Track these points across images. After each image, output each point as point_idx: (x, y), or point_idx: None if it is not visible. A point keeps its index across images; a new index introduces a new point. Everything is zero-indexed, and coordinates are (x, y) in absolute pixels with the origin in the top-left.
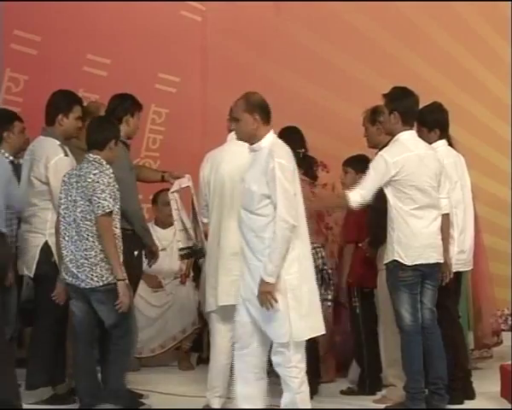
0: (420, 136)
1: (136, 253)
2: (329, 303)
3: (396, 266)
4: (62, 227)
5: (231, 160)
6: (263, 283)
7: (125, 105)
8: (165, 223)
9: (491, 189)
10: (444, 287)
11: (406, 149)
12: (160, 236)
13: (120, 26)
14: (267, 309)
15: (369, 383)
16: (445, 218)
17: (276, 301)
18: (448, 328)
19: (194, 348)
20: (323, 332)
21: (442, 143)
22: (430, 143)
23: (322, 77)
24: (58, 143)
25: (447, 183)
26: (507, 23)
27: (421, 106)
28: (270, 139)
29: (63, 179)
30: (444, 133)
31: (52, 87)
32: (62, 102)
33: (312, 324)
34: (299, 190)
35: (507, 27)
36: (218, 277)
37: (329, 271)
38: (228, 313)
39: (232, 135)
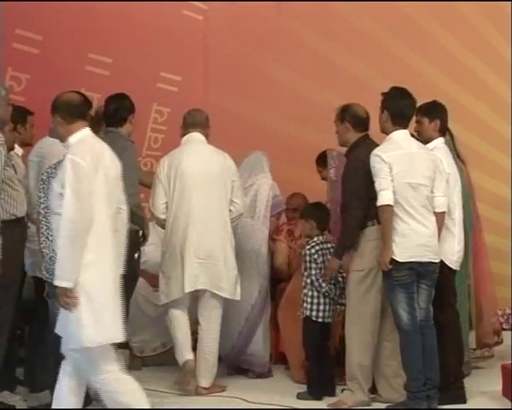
0: (420, 129)
1: (136, 255)
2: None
3: (392, 265)
4: (45, 227)
5: (189, 158)
6: (57, 286)
7: (125, 105)
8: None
9: (491, 187)
10: (448, 285)
11: (398, 147)
12: (161, 235)
13: (122, 26)
14: (69, 311)
15: None
16: (440, 216)
17: (75, 304)
18: (452, 326)
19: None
20: (120, 340)
21: (441, 142)
22: (429, 136)
23: (324, 76)
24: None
25: (443, 181)
26: (507, 21)
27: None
28: (78, 136)
29: (41, 178)
30: (443, 128)
31: (54, 86)
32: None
33: (107, 330)
34: (101, 189)
35: (508, 26)
36: (185, 265)
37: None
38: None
39: (186, 138)
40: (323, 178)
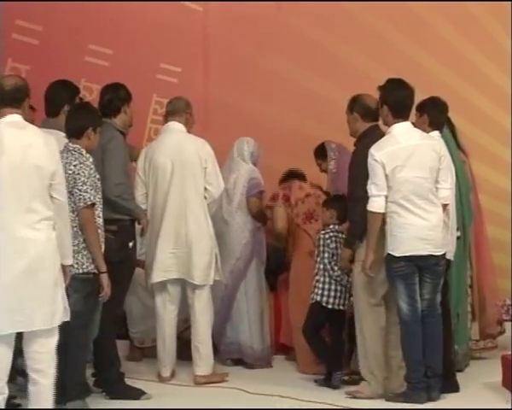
0: (416, 121)
1: (130, 244)
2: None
3: (390, 258)
4: None
5: (162, 149)
6: None
7: (120, 95)
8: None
9: (491, 179)
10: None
11: (395, 142)
12: None
13: (122, 17)
14: None
15: None
16: (443, 208)
17: None
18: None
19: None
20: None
21: (436, 135)
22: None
23: (324, 68)
24: (63, 134)
25: (449, 174)
26: (508, 13)
27: (424, 96)
28: None
29: None
30: (437, 123)
31: (54, 77)
32: (66, 92)
33: None
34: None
35: (508, 17)
36: (155, 255)
37: None
38: (165, 287)
39: (163, 128)
40: (323, 171)
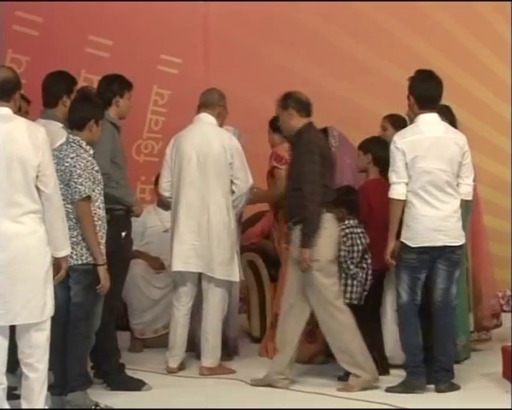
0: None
1: (123, 234)
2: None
3: (402, 247)
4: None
5: (189, 139)
6: None
7: (112, 87)
8: (167, 204)
9: (491, 169)
10: None
11: (418, 132)
12: (162, 217)
13: (122, 8)
14: None
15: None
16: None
17: None
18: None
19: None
20: None
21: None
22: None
23: (325, 59)
24: (61, 125)
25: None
26: (508, 4)
27: None
28: None
29: None
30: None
31: (54, 68)
32: (64, 82)
33: None
34: None
35: (508, 9)
36: (174, 244)
37: (369, 260)
38: (183, 278)
39: (194, 118)
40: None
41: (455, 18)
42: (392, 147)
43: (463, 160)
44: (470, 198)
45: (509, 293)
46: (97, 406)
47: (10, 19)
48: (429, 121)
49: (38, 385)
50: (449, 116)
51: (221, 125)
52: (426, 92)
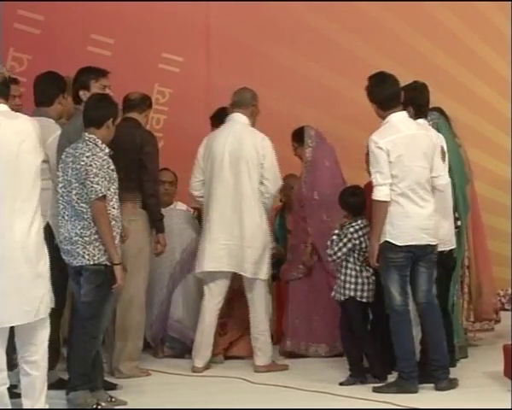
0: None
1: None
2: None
3: (387, 246)
4: (61, 206)
5: (221, 139)
6: None
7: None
8: (163, 202)
9: (491, 166)
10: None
11: (396, 131)
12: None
13: (124, 6)
14: None
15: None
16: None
17: None
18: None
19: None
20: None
21: (423, 122)
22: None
23: (326, 57)
24: (53, 121)
25: (444, 162)
26: (508, 2)
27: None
28: None
29: (61, 157)
30: (420, 113)
31: (55, 67)
32: (58, 82)
33: None
34: None
35: (508, 5)
36: (206, 244)
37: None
38: (214, 279)
39: (228, 118)
40: (297, 155)
41: (457, 17)
42: (373, 147)
43: (435, 154)
44: (444, 190)
45: (510, 291)
46: (99, 405)
47: (12, 17)
48: (400, 120)
49: (41, 383)
50: (442, 117)
51: (253, 124)
52: (384, 93)
